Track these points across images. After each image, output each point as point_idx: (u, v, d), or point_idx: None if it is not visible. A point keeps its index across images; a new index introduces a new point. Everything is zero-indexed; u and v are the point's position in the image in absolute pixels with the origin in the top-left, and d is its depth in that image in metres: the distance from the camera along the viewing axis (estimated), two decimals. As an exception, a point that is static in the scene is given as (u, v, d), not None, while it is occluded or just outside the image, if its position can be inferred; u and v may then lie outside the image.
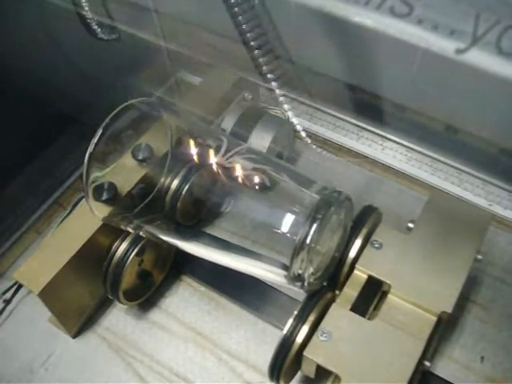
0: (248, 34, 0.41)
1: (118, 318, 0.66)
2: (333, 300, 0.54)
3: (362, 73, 0.41)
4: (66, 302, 0.61)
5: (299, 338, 0.50)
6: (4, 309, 0.67)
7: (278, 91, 0.49)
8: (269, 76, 0.44)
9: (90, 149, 0.53)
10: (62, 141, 0.77)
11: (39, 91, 0.67)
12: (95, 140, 0.53)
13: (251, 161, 0.56)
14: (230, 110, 0.73)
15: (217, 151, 0.57)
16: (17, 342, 0.65)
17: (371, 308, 0.54)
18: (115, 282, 0.59)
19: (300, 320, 0.51)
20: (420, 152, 0.75)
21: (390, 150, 0.77)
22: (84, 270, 0.60)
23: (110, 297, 0.62)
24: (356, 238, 0.56)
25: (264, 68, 0.43)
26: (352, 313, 0.52)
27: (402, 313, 0.52)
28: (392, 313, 0.52)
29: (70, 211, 0.71)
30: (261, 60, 0.42)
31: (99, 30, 0.68)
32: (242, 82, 0.76)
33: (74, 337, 0.65)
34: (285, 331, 0.51)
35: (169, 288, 0.68)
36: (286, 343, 0.51)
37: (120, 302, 0.61)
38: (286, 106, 0.57)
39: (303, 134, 0.66)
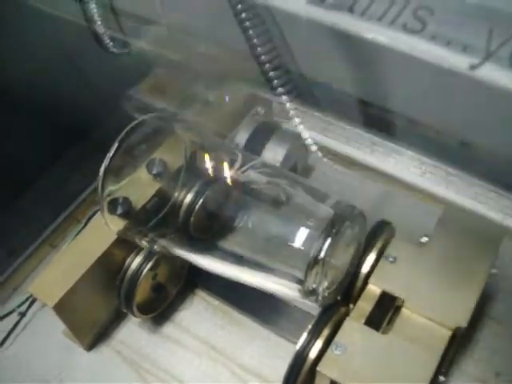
0: (259, 49, 0.41)
1: (132, 331, 0.66)
2: (347, 314, 0.53)
3: (375, 88, 0.41)
4: (81, 315, 0.61)
5: (313, 353, 0.50)
6: (19, 322, 0.68)
7: (289, 105, 0.49)
8: (279, 90, 0.44)
9: (106, 163, 0.53)
10: (76, 154, 0.77)
11: (53, 105, 0.68)
12: (110, 154, 0.53)
13: (265, 175, 0.56)
14: (243, 124, 0.74)
15: (231, 165, 0.57)
16: (31, 355, 0.66)
17: (385, 322, 0.54)
18: (129, 295, 0.60)
19: (314, 334, 0.51)
20: (434, 166, 0.75)
21: (403, 164, 0.77)
22: (98, 284, 0.60)
23: (124, 310, 0.62)
24: (370, 252, 0.56)
25: (275, 82, 0.44)
26: (366, 327, 0.52)
27: (416, 327, 0.52)
28: (406, 327, 0.52)
29: (85, 225, 0.71)
30: (271, 74, 0.43)
31: (111, 44, 0.69)
32: (254, 97, 0.76)
33: (88, 350, 0.65)
34: (298, 346, 0.51)
35: (183, 302, 0.68)
36: (299, 358, 0.51)
37: (134, 315, 0.62)
38: (297, 120, 0.57)
39: (314, 147, 0.66)
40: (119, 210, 0.55)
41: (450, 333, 0.52)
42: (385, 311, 0.54)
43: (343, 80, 0.41)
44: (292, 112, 0.50)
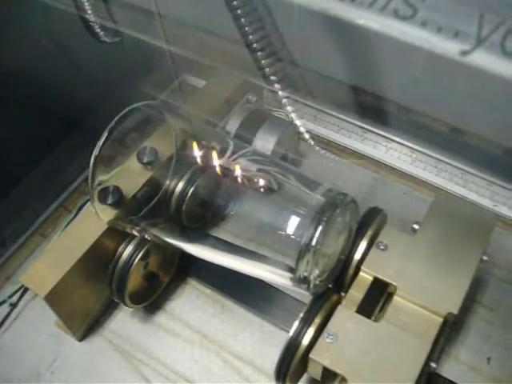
0: (251, 36, 0.41)
1: (124, 320, 0.66)
2: (338, 302, 0.54)
3: (366, 74, 0.41)
4: (72, 305, 0.61)
5: (305, 341, 0.50)
6: (10, 312, 0.67)
7: (281, 93, 0.49)
8: (272, 78, 0.44)
9: (96, 152, 0.53)
10: (67, 144, 0.77)
11: (44, 95, 0.67)
12: (100, 143, 0.53)
13: (256, 163, 0.56)
14: (234, 112, 0.74)
15: (222, 153, 0.57)
16: (23, 345, 0.65)
17: (377, 310, 0.54)
18: (121, 285, 0.59)
19: (306, 322, 0.51)
20: (424, 153, 0.75)
21: (394, 152, 0.77)
22: (90, 274, 0.60)
23: (116, 300, 0.62)
24: (361, 239, 0.56)
25: (267, 70, 0.43)
26: (358, 314, 0.52)
27: (407, 314, 0.52)
28: (398, 314, 0.52)
29: (76, 214, 0.71)
30: (263, 62, 0.42)
31: (102, 33, 0.68)
32: (245, 85, 0.76)
33: (80, 340, 0.65)
34: (291, 333, 0.51)
35: (174, 291, 0.68)
36: (292, 345, 0.51)
37: (126, 305, 0.62)
38: (289, 108, 0.57)
39: (307, 135, 0.66)
40: (110, 200, 0.55)
41: (441, 320, 0.52)
42: (376, 299, 0.55)
43: (335, 67, 0.41)
44: (284, 100, 0.50)
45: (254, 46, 0.42)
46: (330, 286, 0.55)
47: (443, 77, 0.33)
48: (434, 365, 0.52)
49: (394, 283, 0.54)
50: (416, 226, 0.58)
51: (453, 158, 0.69)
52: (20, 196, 0.74)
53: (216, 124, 0.73)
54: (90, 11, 0.64)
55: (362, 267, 0.55)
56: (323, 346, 0.50)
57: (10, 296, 0.68)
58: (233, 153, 0.56)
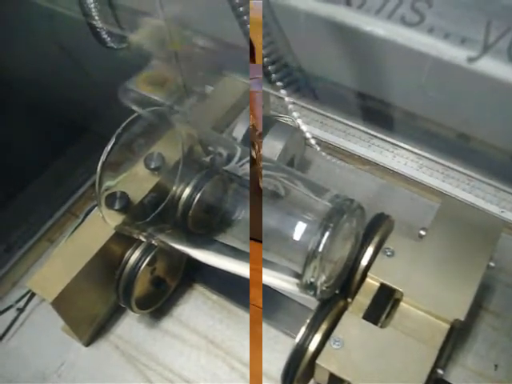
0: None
1: (131, 326, 0.66)
2: (345, 308, 0.53)
3: (372, 80, 0.41)
4: (79, 310, 0.61)
5: (312, 347, 0.50)
6: (17, 317, 0.68)
7: (287, 99, 0.49)
8: (278, 84, 0.44)
9: (103, 157, 0.53)
10: (75, 150, 0.77)
11: (51, 101, 0.67)
12: (108, 149, 0.53)
13: (263, 168, 0.56)
14: (240, 118, 0.74)
15: (228, 159, 0.57)
16: (30, 350, 0.66)
17: (383, 316, 0.54)
18: (127, 291, 0.59)
19: (312, 328, 0.51)
20: (431, 159, 0.75)
21: (401, 158, 0.77)
22: (97, 279, 0.60)
23: (123, 305, 0.62)
24: (368, 245, 0.55)
25: (273, 76, 0.43)
26: (364, 321, 0.52)
27: (414, 320, 0.52)
28: (404, 321, 0.52)
29: (83, 220, 0.71)
30: (270, 68, 0.42)
31: (109, 39, 0.69)
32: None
33: (87, 345, 0.65)
34: (297, 339, 0.51)
35: (181, 296, 0.68)
36: (298, 351, 0.51)
37: (132, 310, 0.62)
38: (295, 114, 0.57)
39: (313, 141, 0.67)
40: (117, 205, 0.55)
41: (448, 326, 0.52)
42: (383, 305, 0.55)
43: (341, 73, 0.41)
44: (290, 106, 0.50)
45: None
46: (337, 291, 0.55)
47: (450, 83, 0.33)
48: (440, 371, 0.52)
49: (400, 289, 0.53)
50: (423, 232, 0.57)
51: (460, 164, 0.69)
52: (27, 201, 0.74)
53: (223, 130, 0.73)
54: (97, 17, 0.65)
55: (369, 273, 0.55)
56: (330, 352, 0.50)
57: (17, 301, 0.68)
58: (240, 158, 0.56)
